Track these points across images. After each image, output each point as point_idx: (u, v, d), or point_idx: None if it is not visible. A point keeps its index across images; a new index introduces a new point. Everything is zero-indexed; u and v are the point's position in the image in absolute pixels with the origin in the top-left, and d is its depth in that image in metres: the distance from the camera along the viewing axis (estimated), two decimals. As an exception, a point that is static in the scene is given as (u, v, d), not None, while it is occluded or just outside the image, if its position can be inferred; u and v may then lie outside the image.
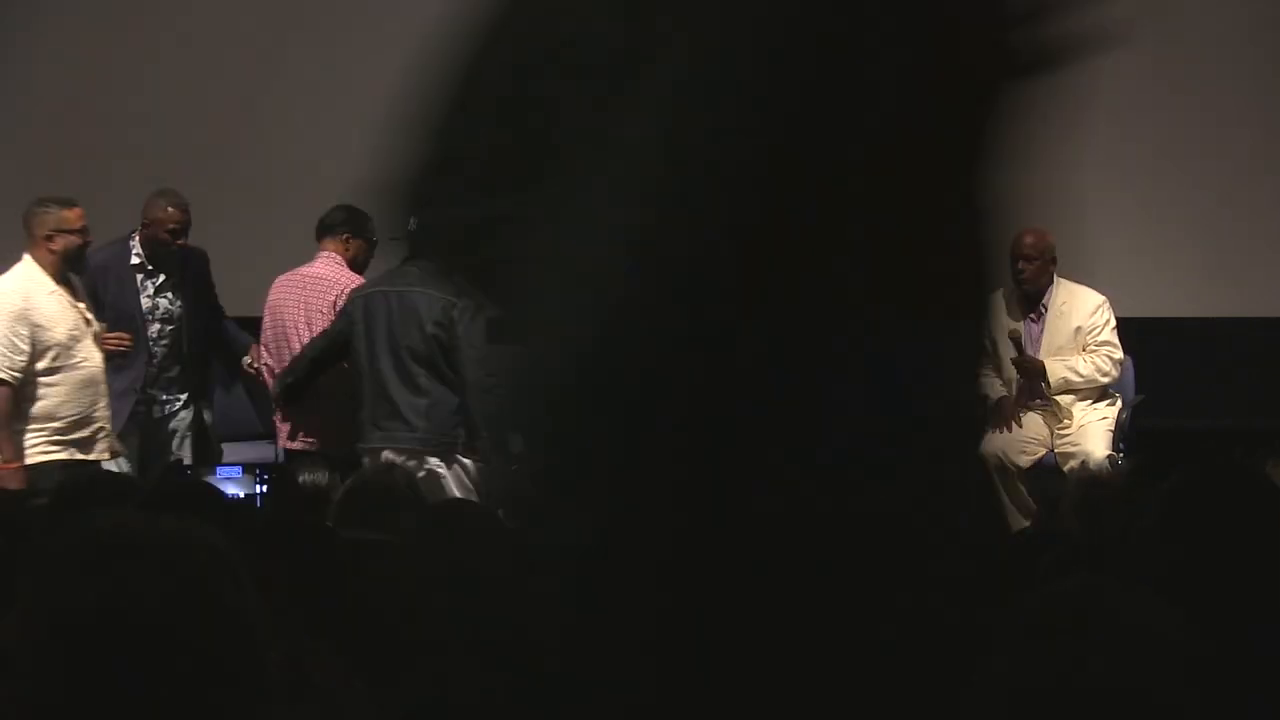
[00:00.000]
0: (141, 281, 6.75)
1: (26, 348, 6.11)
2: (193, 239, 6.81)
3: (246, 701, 1.59)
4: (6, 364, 6.10)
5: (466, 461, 6.23)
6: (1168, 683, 1.37)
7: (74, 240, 6.25)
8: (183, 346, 6.80)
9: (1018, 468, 6.80)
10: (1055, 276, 6.92)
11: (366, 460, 6.16)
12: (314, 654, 2.55)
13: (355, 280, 6.64)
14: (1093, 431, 6.82)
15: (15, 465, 6.03)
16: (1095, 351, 6.86)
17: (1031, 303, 6.90)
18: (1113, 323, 6.92)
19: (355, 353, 6.33)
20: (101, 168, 8.08)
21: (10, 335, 6.10)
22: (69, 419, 6.21)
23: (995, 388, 7.07)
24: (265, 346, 6.75)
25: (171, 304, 6.77)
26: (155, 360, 6.71)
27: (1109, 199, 8.00)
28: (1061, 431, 6.84)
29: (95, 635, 1.53)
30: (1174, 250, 8.08)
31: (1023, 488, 6.76)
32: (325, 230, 6.77)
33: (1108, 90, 8.21)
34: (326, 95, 8.21)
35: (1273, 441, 7.27)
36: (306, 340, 6.57)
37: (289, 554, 3.32)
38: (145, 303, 6.73)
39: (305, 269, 6.74)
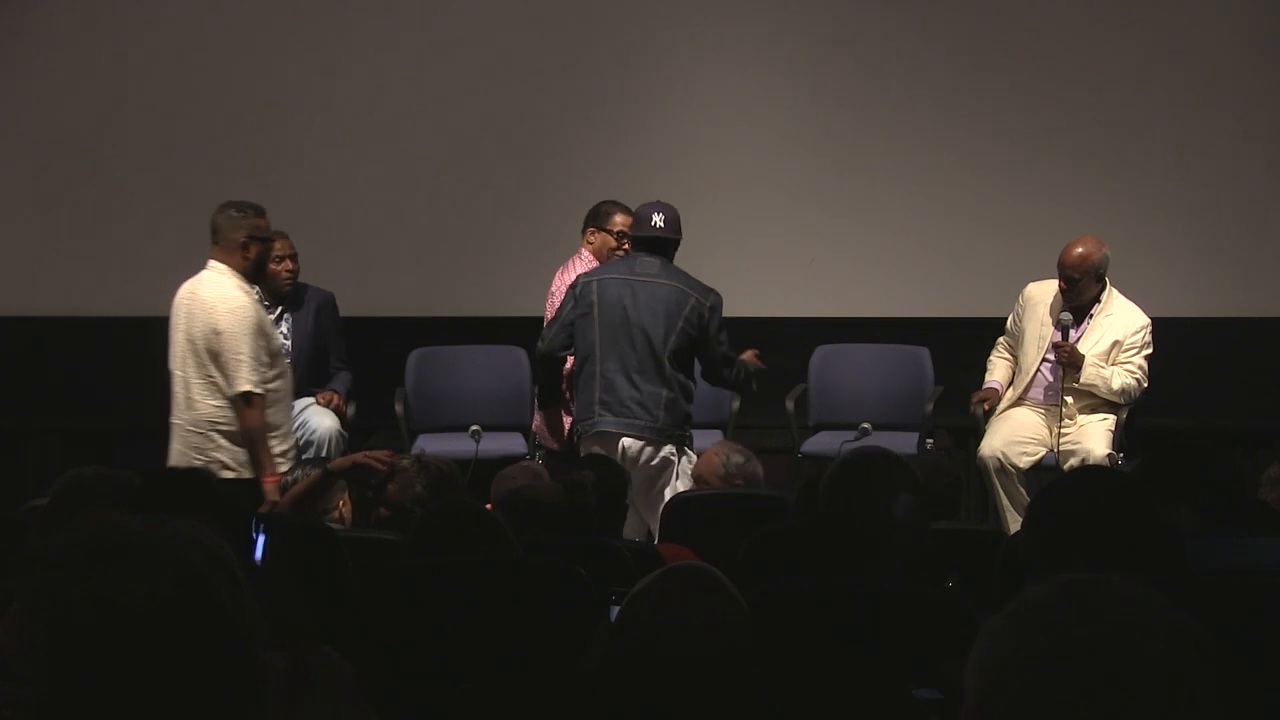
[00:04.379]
0: None
1: (265, 358, 6.02)
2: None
3: (244, 703, 1.59)
4: (258, 378, 5.97)
5: (694, 455, 6.28)
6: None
7: (266, 249, 6.16)
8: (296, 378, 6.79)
9: (1017, 468, 6.80)
10: (1109, 287, 6.89)
11: (588, 443, 6.24)
12: (318, 654, 2.56)
13: (562, 273, 6.70)
14: (1093, 431, 6.82)
15: (278, 478, 5.82)
16: (1131, 373, 6.84)
17: (1079, 311, 6.87)
18: (1149, 349, 6.89)
19: (581, 336, 6.34)
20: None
21: (256, 348, 5.96)
22: (286, 427, 6.15)
23: (1001, 369, 7.09)
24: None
25: (286, 338, 6.83)
26: None
27: (1109, 199, 8.02)
28: (1062, 431, 6.84)
29: (92, 636, 1.53)
30: (1175, 250, 8.08)
31: (1022, 488, 6.76)
32: (587, 220, 6.86)
33: (1108, 90, 8.27)
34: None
35: (1273, 441, 7.29)
36: None
37: (294, 555, 3.32)
38: None
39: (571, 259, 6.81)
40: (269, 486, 5.77)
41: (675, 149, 8.23)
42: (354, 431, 7.07)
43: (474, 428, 7.01)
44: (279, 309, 6.98)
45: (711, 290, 6.35)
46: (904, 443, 7.04)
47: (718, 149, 8.21)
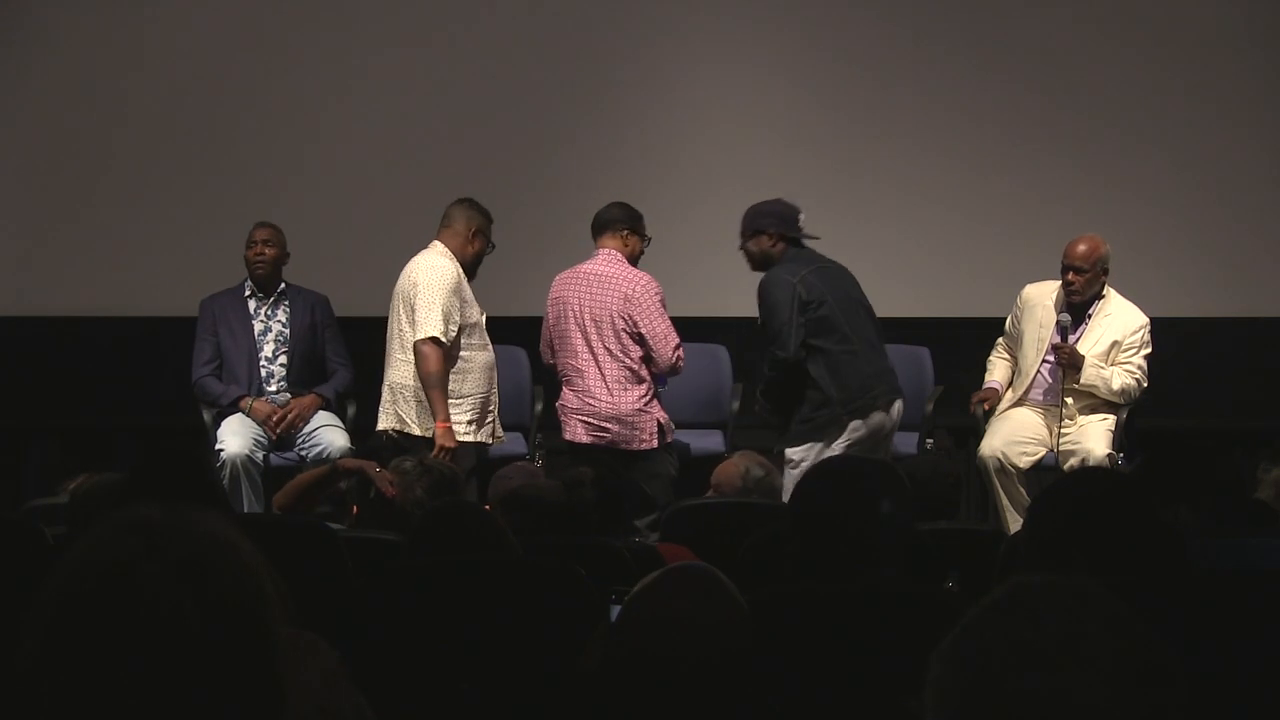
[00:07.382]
0: (255, 309, 7.13)
1: (457, 319, 6.42)
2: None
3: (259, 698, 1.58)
4: (443, 330, 6.34)
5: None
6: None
7: (486, 249, 6.62)
8: (294, 366, 7.14)
9: (1017, 468, 6.80)
10: (1108, 287, 6.89)
11: (868, 415, 6.36)
12: (302, 636, 2.56)
13: (637, 275, 6.68)
14: (1093, 431, 6.82)
15: (447, 425, 6.31)
16: (1131, 373, 6.83)
17: (1078, 311, 6.87)
18: (1149, 348, 6.89)
19: (827, 326, 6.45)
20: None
21: (448, 305, 6.37)
22: (476, 398, 6.49)
23: (1000, 369, 7.09)
24: (547, 345, 6.80)
25: (284, 327, 7.12)
26: (270, 376, 7.09)
27: (1109, 199, 8.02)
28: (1062, 431, 6.84)
29: (104, 635, 1.53)
30: (1175, 250, 8.08)
31: (1022, 488, 6.76)
32: (604, 227, 6.82)
33: (1109, 90, 8.26)
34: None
35: (1272, 441, 7.29)
36: (589, 338, 6.61)
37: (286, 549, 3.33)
38: (258, 326, 7.11)
39: (586, 266, 6.74)
40: (439, 430, 6.25)
41: (675, 148, 8.23)
42: (354, 432, 7.09)
43: (474, 427, 7.01)
44: (268, 300, 7.14)
45: None
46: (904, 443, 7.04)
47: (718, 149, 8.21)
